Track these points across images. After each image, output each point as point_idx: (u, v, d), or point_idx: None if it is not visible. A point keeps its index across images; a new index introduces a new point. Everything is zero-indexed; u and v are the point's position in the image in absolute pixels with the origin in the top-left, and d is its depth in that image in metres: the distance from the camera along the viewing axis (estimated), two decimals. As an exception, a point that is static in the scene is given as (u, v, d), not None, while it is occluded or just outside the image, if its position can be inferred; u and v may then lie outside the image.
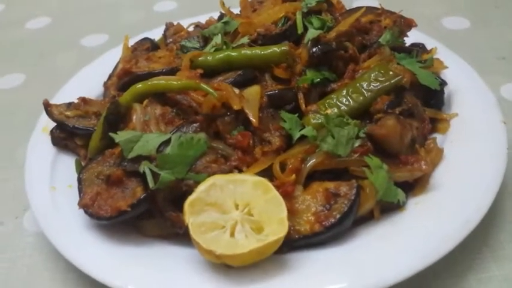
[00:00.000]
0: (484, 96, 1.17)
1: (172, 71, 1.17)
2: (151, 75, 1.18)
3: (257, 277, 0.85)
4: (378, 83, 1.07)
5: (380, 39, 1.22)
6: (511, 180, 1.10)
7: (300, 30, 1.25)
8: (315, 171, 0.98)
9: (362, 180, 0.94)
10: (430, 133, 1.13)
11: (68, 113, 1.17)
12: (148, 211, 0.95)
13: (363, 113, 1.06)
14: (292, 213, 0.92)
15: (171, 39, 1.40)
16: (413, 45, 1.35)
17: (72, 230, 0.97)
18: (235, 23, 1.31)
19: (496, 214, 1.03)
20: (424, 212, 0.93)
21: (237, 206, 0.88)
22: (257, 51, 1.18)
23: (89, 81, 1.40)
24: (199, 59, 1.18)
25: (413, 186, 0.99)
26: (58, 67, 1.71)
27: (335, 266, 0.86)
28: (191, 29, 1.44)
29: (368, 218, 0.96)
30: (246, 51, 1.18)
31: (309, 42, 1.17)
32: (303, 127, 1.04)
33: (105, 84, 1.36)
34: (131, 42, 1.41)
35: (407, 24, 1.32)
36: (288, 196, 0.93)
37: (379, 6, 1.35)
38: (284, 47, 1.17)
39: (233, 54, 1.18)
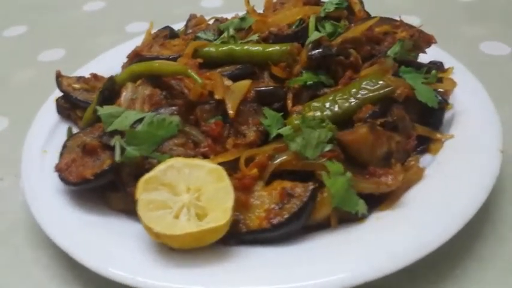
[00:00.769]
0: (489, 123, 1.09)
1: (177, 58, 1.21)
2: (157, 59, 1.23)
3: (191, 263, 0.85)
4: (366, 92, 1.04)
5: (389, 51, 1.18)
6: (491, 214, 1.02)
7: (311, 33, 1.24)
8: (284, 171, 0.97)
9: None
10: (422, 152, 1.08)
11: (76, 86, 1.24)
12: (114, 184, 0.99)
13: (347, 121, 1.03)
14: (246, 207, 0.92)
15: (190, 30, 1.44)
16: (431, 62, 1.30)
17: (46, 191, 1.03)
18: (251, 20, 1.33)
19: (462, 249, 0.96)
20: (380, 228, 0.89)
21: (189, 189, 0.89)
22: (259, 48, 1.19)
23: (111, 61, 1.47)
24: (204, 49, 1.21)
25: (382, 200, 0.95)
26: (97, 48, 1.81)
27: (272, 265, 0.85)
28: (212, 22, 1.47)
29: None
30: (249, 47, 1.20)
31: (310, 45, 1.15)
32: (284, 126, 1.03)
33: (123, 65, 1.42)
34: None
35: (426, 40, 1.27)
36: (246, 189, 0.93)
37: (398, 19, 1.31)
38: (286, 46, 1.17)
39: (236, 48, 1.20)
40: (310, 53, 1.14)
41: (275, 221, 0.88)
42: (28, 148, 1.16)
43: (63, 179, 0.99)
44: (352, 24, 1.27)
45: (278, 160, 0.95)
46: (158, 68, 1.10)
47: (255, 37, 1.26)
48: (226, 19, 1.42)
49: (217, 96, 1.03)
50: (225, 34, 1.28)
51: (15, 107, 1.51)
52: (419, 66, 1.19)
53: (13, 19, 2.09)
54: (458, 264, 0.93)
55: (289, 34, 1.26)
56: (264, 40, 1.28)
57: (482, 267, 0.92)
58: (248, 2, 1.46)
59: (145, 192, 0.89)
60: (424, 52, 1.28)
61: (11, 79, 1.68)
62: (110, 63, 1.46)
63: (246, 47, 1.20)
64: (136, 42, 1.50)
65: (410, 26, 1.29)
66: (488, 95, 1.18)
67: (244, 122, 1.04)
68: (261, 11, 1.43)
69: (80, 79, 1.27)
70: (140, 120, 0.98)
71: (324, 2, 1.37)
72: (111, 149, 0.99)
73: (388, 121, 0.99)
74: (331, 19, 1.33)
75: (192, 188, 0.89)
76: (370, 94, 1.03)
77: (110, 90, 1.12)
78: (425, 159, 1.07)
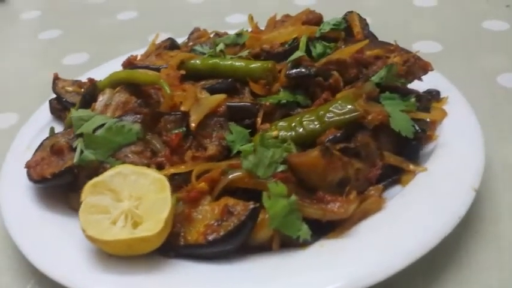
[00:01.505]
0: (471, 159, 1.02)
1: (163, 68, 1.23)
2: (147, 68, 1.26)
3: (122, 270, 0.86)
4: (333, 115, 1.00)
5: (375, 75, 1.14)
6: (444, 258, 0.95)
7: (300, 52, 1.22)
8: (239, 188, 0.96)
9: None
10: (392, 182, 1.02)
11: (69, 89, 1.30)
12: (73, 184, 1.02)
13: (311, 143, 0.99)
14: (188, 221, 0.91)
15: (191, 43, 1.46)
16: (428, 90, 1.24)
17: (17, 186, 1.07)
18: (246, 36, 1.34)
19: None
20: (320, 256, 0.85)
21: (131, 197, 0.89)
22: (242, 63, 1.19)
23: (116, 68, 1.51)
24: (191, 62, 1.23)
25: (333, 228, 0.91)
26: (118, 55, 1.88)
27: (201, 282, 0.84)
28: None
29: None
30: (233, 62, 1.20)
31: (289, 64, 1.14)
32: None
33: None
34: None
35: (421, 67, 1.21)
36: (192, 202, 0.92)
37: (393, 43, 1.26)
38: (267, 64, 1.16)
39: (220, 62, 1.21)
40: (287, 72, 1.12)
41: (211, 237, 0.86)
42: (15, 144, 1.21)
43: (28, 175, 1.03)
44: (343, 46, 1.24)
45: (230, 176, 0.94)
46: (136, 76, 1.12)
47: (245, 53, 1.27)
48: (226, 33, 1.44)
49: (182, 108, 1.04)
50: (217, 48, 1.29)
51: (27, 105, 1.59)
52: (406, 93, 1.14)
53: (50, 23, 2.22)
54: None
55: (279, 52, 1.26)
56: (256, 57, 1.29)
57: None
58: (252, 19, 1.47)
59: (91, 195, 0.91)
60: (420, 79, 1.23)
61: (32, 78, 1.78)
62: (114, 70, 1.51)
63: (230, 62, 1.20)
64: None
65: (407, 51, 1.23)
66: (479, 130, 1.09)
67: (208, 135, 1.03)
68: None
69: (75, 83, 1.32)
70: (102, 126, 1.01)
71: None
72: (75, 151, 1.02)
73: (349, 147, 0.95)
74: (328, 40, 1.31)
75: (133, 196, 0.89)
76: (336, 118, 1.00)
77: (91, 94, 1.16)
78: (395, 190, 1.01)
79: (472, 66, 1.61)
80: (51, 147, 1.05)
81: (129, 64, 1.32)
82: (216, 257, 0.88)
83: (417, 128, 1.05)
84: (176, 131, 1.02)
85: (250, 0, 2.29)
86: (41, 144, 1.11)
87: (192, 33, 1.52)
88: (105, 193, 0.91)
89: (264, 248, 0.91)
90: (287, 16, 1.46)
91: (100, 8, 2.36)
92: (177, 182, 0.97)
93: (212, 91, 1.14)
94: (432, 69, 1.22)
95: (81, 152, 0.98)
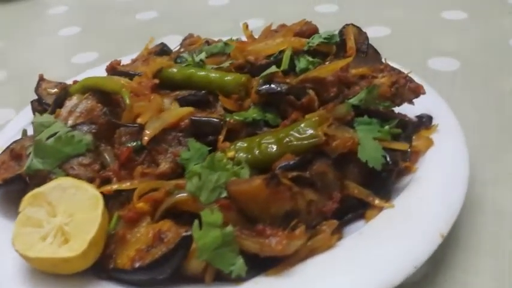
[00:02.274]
0: (447, 199, 0.91)
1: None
2: (127, 74, 1.23)
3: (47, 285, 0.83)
4: (292, 140, 0.92)
5: (353, 97, 1.05)
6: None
7: (283, 66, 1.15)
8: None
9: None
10: (357, 217, 0.94)
11: (51, 91, 1.29)
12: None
13: (267, 168, 0.92)
14: (122, 243, 0.87)
15: (182, 49, 1.42)
16: (419, 116, 1.13)
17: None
18: (232, 46, 1.28)
19: None
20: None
21: (65, 212, 0.86)
22: (217, 75, 1.13)
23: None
24: (169, 70, 1.18)
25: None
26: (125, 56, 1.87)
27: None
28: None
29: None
30: (209, 74, 1.14)
31: (261, 79, 1.07)
32: (208, 162, 0.96)
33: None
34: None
35: (412, 90, 1.11)
36: (130, 223, 0.88)
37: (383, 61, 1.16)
38: (242, 77, 1.10)
39: (197, 73, 1.15)
40: (258, 88, 1.05)
41: (137, 264, 0.81)
42: (-9, 143, 1.22)
43: (-15, 177, 1.02)
44: (327, 62, 1.15)
45: (173, 198, 0.89)
46: (102, 83, 1.09)
47: (226, 64, 1.21)
48: (220, 41, 1.38)
49: (139, 120, 1.00)
50: (199, 58, 1.24)
51: (25, 101, 1.61)
52: (388, 118, 1.04)
53: (73, 19, 2.25)
54: None
55: (262, 65, 1.19)
56: (240, 68, 1.22)
57: None
58: (247, 27, 1.41)
59: (29, 206, 0.88)
60: (411, 103, 1.12)
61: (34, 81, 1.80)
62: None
63: (205, 73, 1.15)
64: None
65: (398, 72, 1.13)
66: (466, 167, 0.98)
67: (163, 151, 0.98)
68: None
69: (59, 85, 1.31)
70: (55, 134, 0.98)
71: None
72: (33, 157, 1.00)
73: (302, 176, 0.87)
74: (318, 54, 1.23)
75: (67, 212, 0.86)
76: (295, 143, 0.92)
77: (62, 99, 1.14)
78: (359, 225, 0.93)
79: (489, 87, 1.47)
80: (10, 151, 1.04)
81: (112, 69, 1.29)
82: (147, 285, 0.83)
83: (388, 159, 0.95)
84: (129, 145, 0.98)
85: (271, 5, 2.22)
86: (8, 147, 1.10)
87: (185, 39, 1.47)
88: (42, 205, 0.88)
89: (200, 279, 0.85)
90: (283, 26, 1.39)
91: (123, 6, 2.37)
92: (123, 199, 0.93)
93: (184, 103, 1.09)
94: (424, 93, 1.11)
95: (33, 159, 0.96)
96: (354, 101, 1.04)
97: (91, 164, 0.96)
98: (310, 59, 1.17)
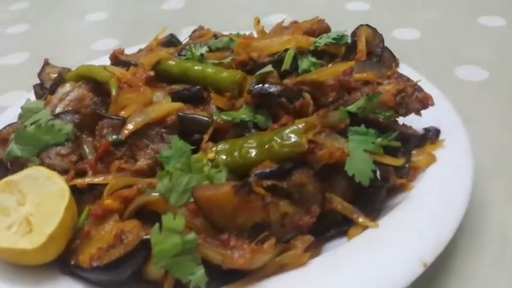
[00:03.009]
0: (436, 226, 0.83)
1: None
2: (126, 64, 1.20)
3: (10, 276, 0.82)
4: (274, 146, 0.86)
5: (351, 105, 0.98)
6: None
7: (285, 66, 1.10)
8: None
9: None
10: (340, 233, 0.87)
11: (53, 76, 1.27)
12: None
13: (245, 174, 0.87)
14: (87, 239, 0.84)
15: (191, 41, 1.38)
16: (426, 129, 1.04)
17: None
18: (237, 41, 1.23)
19: None
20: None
21: (32, 203, 0.84)
22: (212, 71, 1.09)
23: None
24: (167, 62, 1.15)
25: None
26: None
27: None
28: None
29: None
30: (205, 69, 1.10)
31: (254, 78, 1.01)
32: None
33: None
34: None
35: (419, 100, 1.02)
36: (96, 219, 0.85)
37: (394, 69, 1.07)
38: (237, 75, 1.05)
39: (193, 68, 1.11)
40: (249, 88, 1.00)
41: (94, 263, 0.78)
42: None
43: (-30, 159, 1.02)
44: (330, 65, 1.08)
45: (143, 198, 0.85)
46: (94, 72, 1.07)
47: (227, 59, 1.16)
48: (227, 35, 1.34)
49: (122, 113, 0.96)
50: (200, 51, 1.19)
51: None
52: (387, 129, 0.96)
53: (101, 5, 2.26)
54: None
55: (263, 63, 1.13)
56: (242, 65, 1.17)
57: None
58: (258, 22, 1.35)
59: (1, 193, 0.87)
60: (418, 114, 1.03)
61: (59, 60, 1.81)
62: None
63: (201, 68, 1.10)
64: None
65: (407, 79, 1.04)
66: (467, 189, 0.89)
67: (143, 146, 0.95)
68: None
69: (62, 70, 1.30)
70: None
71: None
72: (18, 143, 0.99)
73: (278, 186, 0.81)
74: (326, 55, 1.16)
75: (34, 202, 0.84)
76: (276, 149, 0.86)
77: (57, 85, 1.12)
78: (340, 242, 0.86)
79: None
80: (-2, 135, 1.04)
81: (114, 58, 1.26)
82: (105, 285, 0.80)
83: (378, 174, 0.87)
84: (110, 138, 0.95)
85: (300, 2, 2.15)
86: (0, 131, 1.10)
87: (194, 31, 1.43)
88: (14, 193, 0.86)
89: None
90: (294, 23, 1.32)
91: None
92: (98, 194, 0.90)
93: (177, 97, 1.06)
94: (432, 104, 1.02)
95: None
96: (351, 108, 0.97)
97: (69, 155, 0.93)
98: (314, 60, 1.10)
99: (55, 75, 1.28)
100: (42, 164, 0.91)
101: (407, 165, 0.95)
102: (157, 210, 0.84)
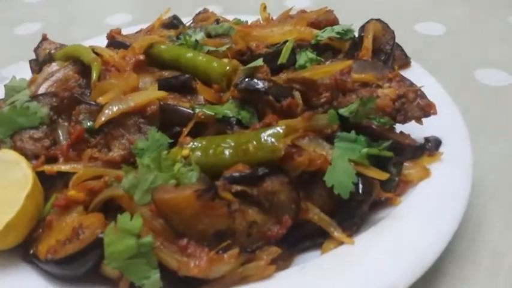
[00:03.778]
0: (415, 249, 0.76)
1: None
2: (121, 45, 1.16)
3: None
4: (250, 148, 0.81)
5: (343, 108, 0.90)
6: None
7: (281, 60, 1.03)
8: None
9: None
10: (315, 245, 0.82)
11: (52, 51, 1.24)
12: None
13: (217, 175, 0.81)
14: (49, 229, 0.81)
15: (193, 24, 1.33)
16: (426, 139, 0.96)
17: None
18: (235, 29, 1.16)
19: None
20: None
21: (-2, 188, 0.81)
22: (203, 59, 1.03)
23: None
24: (160, 47, 1.10)
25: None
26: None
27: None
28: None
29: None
30: (196, 57, 1.04)
31: (242, 72, 0.95)
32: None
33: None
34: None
35: (421, 108, 0.94)
36: (59, 210, 0.82)
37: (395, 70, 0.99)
38: (226, 66, 0.99)
39: (185, 55, 1.06)
40: (236, 82, 0.94)
41: (49, 256, 0.75)
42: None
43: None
44: (328, 62, 1.00)
45: (108, 192, 0.81)
46: (80, 53, 1.03)
47: (223, 48, 1.10)
48: (229, 21, 1.27)
49: (99, 99, 0.92)
50: (194, 37, 1.14)
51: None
52: (379, 138, 0.89)
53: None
54: None
55: (260, 54, 1.07)
56: (240, 54, 1.11)
57: None
58: (264, 9, 1.28)
59: (-31, 175, 0.84)
60: (419, 122, 0.95)
61: (70, 33, 1.78)
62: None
63: (193, 56, 1.04)
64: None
65: (410, 84, 0.96)
66: (458, 213, 0.82)
67: (119, 136, 0.90)
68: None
69: (59, 47, 1.26)
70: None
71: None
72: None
73: (247, 193, 0.76)
74: (328, 50, 1.09)
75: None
76: (252, 152, 0.80)
77: (45, 63, 1.09)
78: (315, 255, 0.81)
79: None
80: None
81: (110, 38, 1.22)
82: (61, 279, 0.77)
83: (360, 187, 0.81)
84: (84, 124, 0.91)
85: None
86: (-14, 105, 1.08)
87: (198, 14, 1.37)
88: (-18, 175, 0.84)
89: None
90: (302, 12, 1.24)
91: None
92: (68, 181, 0.87)
93: (164, 85, 1.01)
94: (435, 113, 0.93)
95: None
96: (343, 111, 0.90)
97: (41, 139, 0.90)
98: (312, 55, 1.03)
99: (52, 51, 1.24)
100: (13, 146, 0.88)
101: (396, 178, 0.88)
102: (122, 206, 0.81)
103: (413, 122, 0.95)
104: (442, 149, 0.94)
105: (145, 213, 0.76)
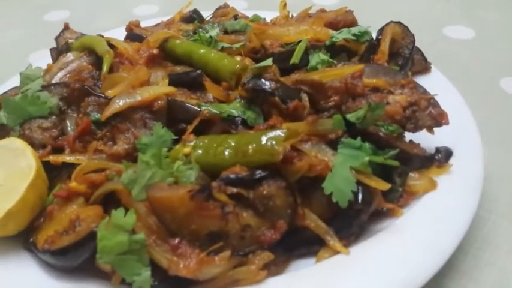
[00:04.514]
0: (413, 267, 0.74)
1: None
2: (138, 37, 1.17)
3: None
4: (249, 150, 0.80)
5: (351, 113, 0.88)
6: None
7: (294, 60, 1.02)
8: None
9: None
10: (310, 253, 0.80)
11: (71, 40, 1.26)
12: None
13: (216, 175, 0.81)
14: (49, 218, 0.83)
15: (212, 19, 1.32)
16: (437, 149, 0.93)
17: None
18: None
19: None
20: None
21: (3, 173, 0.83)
22: (214, 56, 1.03)
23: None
24: (174, 42, 1.10)
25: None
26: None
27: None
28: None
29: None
30: (209, 54, 1.04)
31: (250, 71, 0.94)
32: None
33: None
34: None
35: (433, 117, 0.91)
36: (61, 200, 0.83)
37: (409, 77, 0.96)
38: (236, 64, 0.98)
39: (198, 51, 1.06)
40: (243, 81, 0.93)
41: (46, 246, 0.77)
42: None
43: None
44: (340, 65, 0.98)
45: (109, 186, 0.82)
46: (94, 44, 1.04)
47: (237, 45, 1.09)
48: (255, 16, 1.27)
49: (107, 92, 0.93)
50: (210, 33, 1.13)
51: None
52: (385, 146, 0.87)
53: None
54: None
55: (274, 53, 1.06)
56: (254, 52, 1.10)
57: None
58: (284, 6, 1.27)
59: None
60: (430, 131, 0.92)
61: (97, 22, 1.81)
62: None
63: (205, 52, 1.04)
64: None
65: (423, 92, 0.93)
66: (462, 230, 0.79)
67: (124, 130, 0.91)
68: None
69: (80, 36, 1.28)
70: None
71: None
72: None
73: (242, 195, 0.75)
74: (343, 52, 1.07)
75: (4, 173, 0.83)
76: (251, 154, 0.79)
77: (63, 51, 1.11)
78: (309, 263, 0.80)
79: None
80: None
81: (129, 29, 1.23)
82: (58, 269, 0.79)
83: (360, 197, 0.79)
84: (92, 117, 0.92)
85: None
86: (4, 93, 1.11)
87: (218, 9, 1.37)
88: (-13, 162, 0.86)
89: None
90: (322, 11, 1.22)
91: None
92: (72, 173, 0.88)
93: (175, 80, 1.01)
94: (447, 123, 0.90)
95: (2, 112, 0.94)
96: (350, 117, 0.88)
97: (50, 129, 0.92)
98: (324, 57, 1.01)
99: (71, 40, 1.26)
100: (22, 135, 0.90)
101: (400, 189, 0.85)
102: (121, 200, 0.81)
103: (425, 130, 0.93)
104: (452, 160, 0.91)
105: (141, 209, 0.76)
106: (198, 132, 0.91)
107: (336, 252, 0.78)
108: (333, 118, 0.86)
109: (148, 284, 0.72)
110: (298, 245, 0.81)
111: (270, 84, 0.91)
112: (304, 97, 0.92)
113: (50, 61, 1.27)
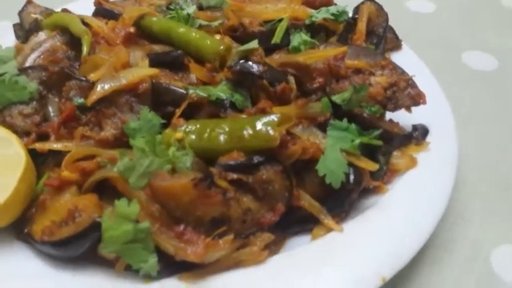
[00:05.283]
0: (400, 239, 0.80)
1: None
2: (109, 13, 1.13)
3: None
4: (245, 136, 0.81)
5: (336, 95, 0.91)
6: None
7: (275, 40, 1.02)
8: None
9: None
10: (304, 231, 0.84)
11: (37, 16, 1.19)
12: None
13: (212, 160, 0.82)
14: (42, 209, 0.81)
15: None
16: (414, 127, 0.98)
17: None
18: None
19: None
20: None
21: (-12, 165, 0.80)
22: (196, 36, 1.01)
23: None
24: (151, 19, 1.06)
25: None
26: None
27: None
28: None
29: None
30: (189, 33, 1.02)
31: (237, 53, 0.94)
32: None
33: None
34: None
35: (411, 97, 0.96)
36: (52, 189, 0.82)
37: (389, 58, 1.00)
38: (220, 45, 0.98)
39: (177, 29, 1.03)
40: (230, 64, 0.93)
41: (45, 237, 0.76)
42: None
43: None
44: (322, 46, 1.00)
45: (102, 173, 0.81)
46: (68, 22, 0.99)
47: (215, 23, 1.08)
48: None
49: (90, 76, 0.90)
50: (187, 10, 1.11)
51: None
52: (369, 126, 0.91)
53: None
54: None
55: (254, 32, 1.06)
56: (233, 30, 1.09)
57: None
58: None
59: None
60: (408, 110, 0.97)
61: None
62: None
63: (185, 31, 1.02)
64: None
65: (402, 72, 0.97)
66: (443, 202, 0.85)
67: (111, 115, 0.89)
68: None
69: (44, 11, 1.21)
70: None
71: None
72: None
73: (242, 180, 0.77)
74: (321, 31, 1.09)
75: (-11, 165, 0.80)
76: (247, 139, 0.81)
77: (33, 30, 1.05)
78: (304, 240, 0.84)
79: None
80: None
81: (97, 4, 1.18)
82: (57, 259, 0.78)
83: (351, 178, 0.83)
84: (75, 102, 0.89)
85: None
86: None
87: (193, -18, 1.33)
88: (-30, 151, 0.82)
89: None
90: (305, -12, 1.22)
91: None
92: (61, 159, 0.86)
93: (155, 61, 0.98)
94: (424, 103, 0.96)
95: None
96: (336, 98, 0.91)
97: (31, 115, 0.88)
98: (306, 37, 1.02)
99: (37, 16, 1.20)
100: (3, 122, 0.86)
101: (385, 167, 0.90)
102: (117, 188, 0.81)
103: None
104: (429, 138, 0.97)
105: (142, 197, 0.76)
106: (185, 115, 0.90)
107: (330, 230, 0.83)
108: (321, 101, 0.88)
109: (154, 270, 0.74)
110: (293, 223, 0.85)
111: (257, 67, 0.91)
112: (291, 80, 0.93)
113: (10, 38, 1.21)
